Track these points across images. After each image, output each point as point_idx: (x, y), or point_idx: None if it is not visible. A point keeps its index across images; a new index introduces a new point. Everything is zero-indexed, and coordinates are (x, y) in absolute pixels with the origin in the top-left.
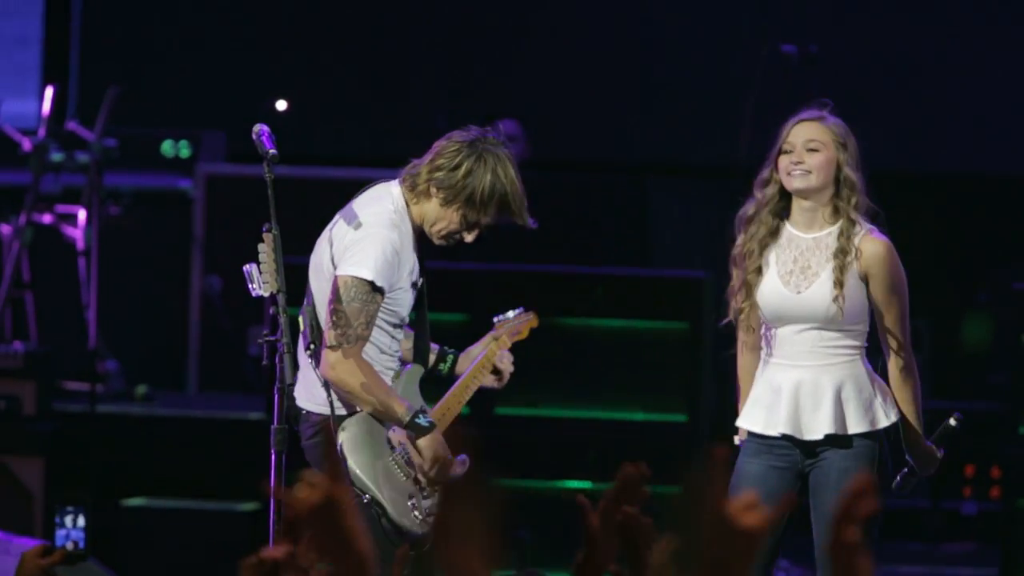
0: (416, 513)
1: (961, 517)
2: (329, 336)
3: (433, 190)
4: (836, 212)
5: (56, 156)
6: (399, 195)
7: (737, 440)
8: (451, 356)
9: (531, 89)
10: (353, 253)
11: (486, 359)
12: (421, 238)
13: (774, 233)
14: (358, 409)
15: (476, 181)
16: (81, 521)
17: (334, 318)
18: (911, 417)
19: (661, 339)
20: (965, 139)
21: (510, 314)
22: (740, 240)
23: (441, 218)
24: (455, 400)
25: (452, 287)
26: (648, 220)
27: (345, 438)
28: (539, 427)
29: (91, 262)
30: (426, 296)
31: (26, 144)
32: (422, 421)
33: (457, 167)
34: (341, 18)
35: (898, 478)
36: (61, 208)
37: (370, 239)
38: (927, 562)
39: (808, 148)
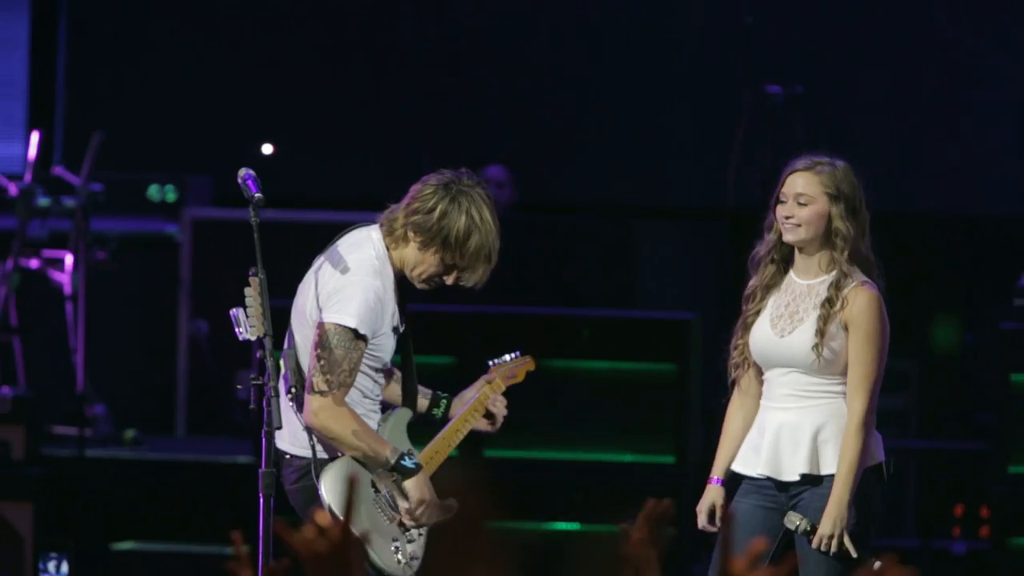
0: (400, 557)
1: (951, 556)
2: (313, 382)
3: (411, 234)
4: (832, 261)
5: (42, 201)
6: (379, 240)
7: (713, 481)
8: (444, 400)
9: (516, 133)
10: (337, 300)
11: (478, 402)
12: (402, 283)
13: (778, 277)
14: (339, 453)
15: (451, 223)
16: (65, 567)
17: (319, 364)
18: (843, 472)
19: (648, 381)
20: (951, 179)
21: (506, 357)
22: (751, 282)
23: (420, 262)
24: (444, 443)
25: (438, 330)
26: (634, 262)
27: (327, 481)
28: (527, 469)
29: (78, 307)
30: (411, 340)
31: (12, 189)
32: (408, 463)
33: (432, 210)
34: (326, 62)
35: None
36: (48, 253)
37: (353, 287)
38: None
39: (798, 202)
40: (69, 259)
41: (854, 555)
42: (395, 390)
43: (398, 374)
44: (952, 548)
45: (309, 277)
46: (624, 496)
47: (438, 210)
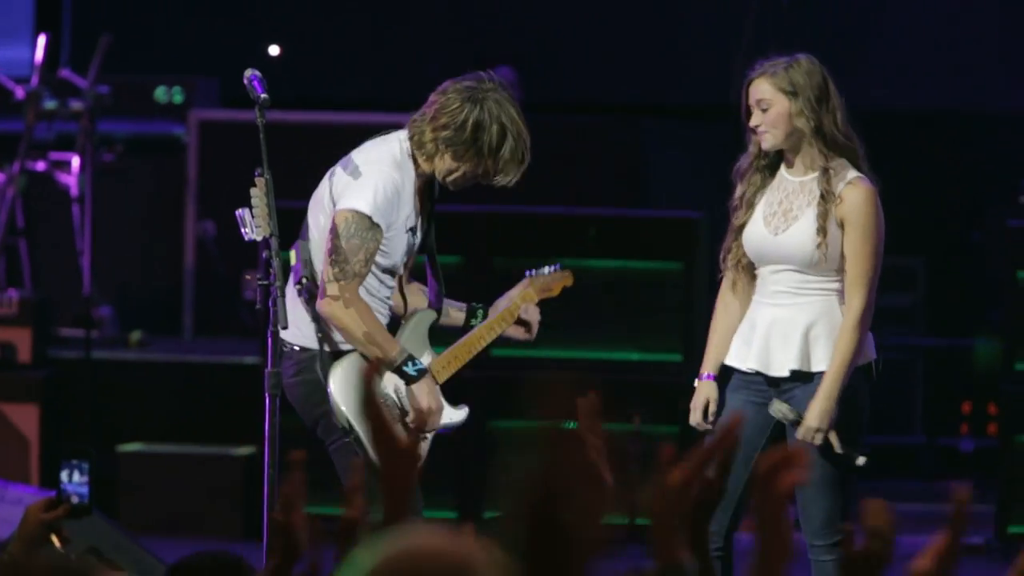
0: None
1: (958, 454)
2: (327, 271)
3: (442, 147)
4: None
5: (49, 104)
6: (405, 140)
7: (697, 381)
8: (480, 310)
9: (524, 33)
10: (353, 188)
11: (507, 311)
12: (426, 189)
13: (769, 178)
14: (343, 347)
15: (483, 134)
16: (85, 475)
17: (333, 254)
18: (836, 367)
19: (655, 279)
20: (958, 76)
21: (545, 269)
22: (736, 192)
23: (455, 170)
24: (465, 349)
25: (445, 229)
26: (641, 161)
27: (336, 375)
28: (535, 368)
29: (85, 209)
30: (434, 245)
31: (19, 92)
32: (410, 369)
33: (463, 123)
34: None
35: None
36: (55, 155)
37: (371, 175)
38: (923, 499)
39: (760, 108)
40: (76, 161)
41: (839, 450)
42: (419, 299)
43: (418, 285)
44: (960, 445)
45: (330, 171)
46: (632, 394)
47: (470, 121)
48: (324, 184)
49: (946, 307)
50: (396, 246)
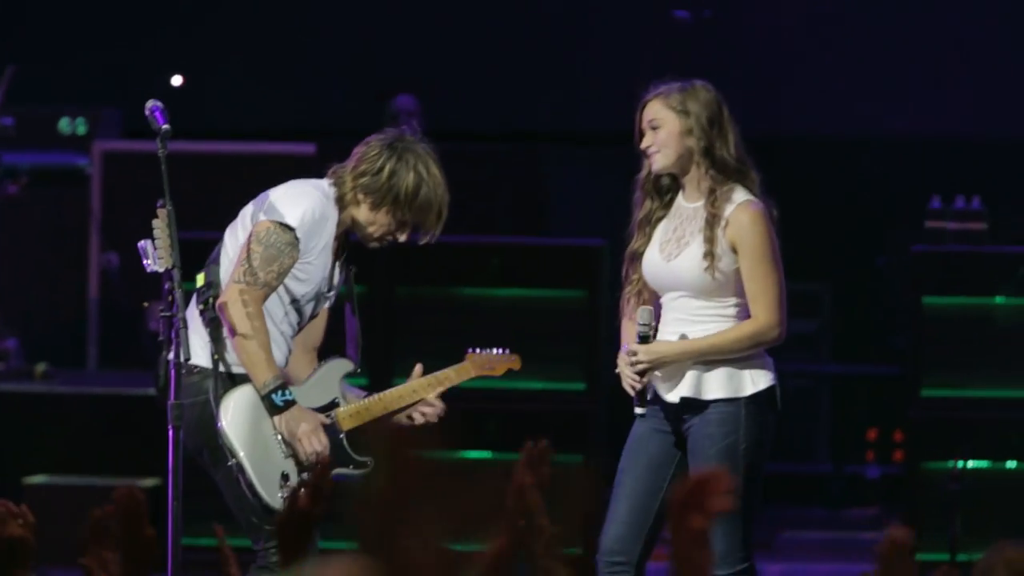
0: (282, 492)
1: (864, 481)
2: (237, 272)
3: (360, 196)
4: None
5: None
6: (330, 187)
7: (637, 411)
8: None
9: (424, 61)
10: (282, 204)
11: (436, 379)
12: (342, 241)
13: (665, 206)
14: (236, 371)
15: (399, 180)
16: None
17: (246, 258)
18: (709, 341)
19: (559, 308)
20: (861, 102)
21: (492, 351)
22: (631, 223)
23: (372, 221)
24: (380, 404)
25: (363, 257)
26: (543, 189)
27: (232, 399)
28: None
29: None
30: (355, 299)
31: None
32: (276, 398)
33: (380, 169)
34: None
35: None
36: None
37: (302, 196)
38: (830, 527)
39: (652, 127)
40: None
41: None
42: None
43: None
44: (866, 473)
45: (260, 194)
46: (536, 423)
47: (387, 169)
48: (249, 206)
49: (851, 333)
50: (310, 276)
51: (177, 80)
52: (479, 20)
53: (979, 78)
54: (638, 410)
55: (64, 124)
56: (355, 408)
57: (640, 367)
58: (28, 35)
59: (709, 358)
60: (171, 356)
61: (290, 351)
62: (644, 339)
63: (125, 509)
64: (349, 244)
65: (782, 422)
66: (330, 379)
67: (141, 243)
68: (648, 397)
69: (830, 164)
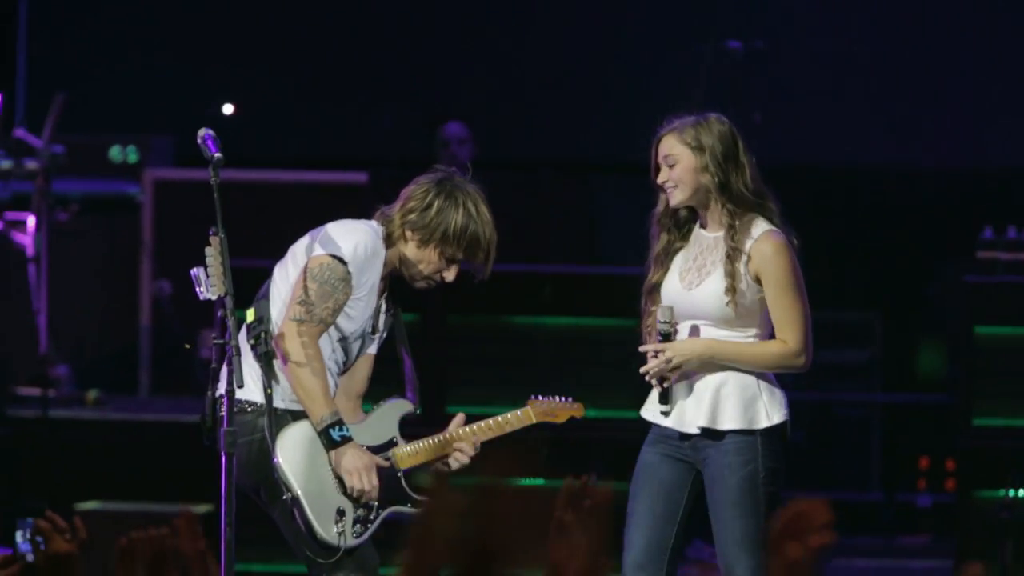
0: (338, 528)
1: (916, 510)
2: (292, 310)
3: (408, 233)
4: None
5: (4, 163)
6: (378, 227)
7: (663, 409)
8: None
9: (477, 89)
10: (334, 239)
11: (497, 423)
12: (388, 285)
13: (683, 237)
14: (292, 407)
15: (448, 217)
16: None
17: (302, 294)
18: (736, 347)
19: (610, 336)
20: (913, 133)
21: (556, 398)
22: (649, 254)
23: (420, 259)
24: (439, 446)
25: (401, 287)
26: (594, 217)
27: (288, 434)
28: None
29: (41, 268)
30: (406, 338)
31: None
32: (334, 433)
33: (428, 206)
34: (288, 21)
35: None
36: (10, 215)
37: (354, 232)
38: (882, 555)
39: (667, 164)
40: (31, 221)
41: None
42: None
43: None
44: (917, 501)
45: (313, 230)
46: (588, 451)
47: (435, 206)
48: (301, 241)
49: (903, 362)
50: (358, 313)
51: (229, 108)
52: (530, 49)
53: None
54: (663, 408)
55: (115, 152)
56: (414, 448)
57: (671, 364)
58: (79, 63)
59: (732, 364)
60: (220, 388)
61: (336, 388)
62: (666, 336)
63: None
64: (394, 286)
65: (834, 450)
66: (389, 419)
67: (193, 270)
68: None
69: (882, 193)
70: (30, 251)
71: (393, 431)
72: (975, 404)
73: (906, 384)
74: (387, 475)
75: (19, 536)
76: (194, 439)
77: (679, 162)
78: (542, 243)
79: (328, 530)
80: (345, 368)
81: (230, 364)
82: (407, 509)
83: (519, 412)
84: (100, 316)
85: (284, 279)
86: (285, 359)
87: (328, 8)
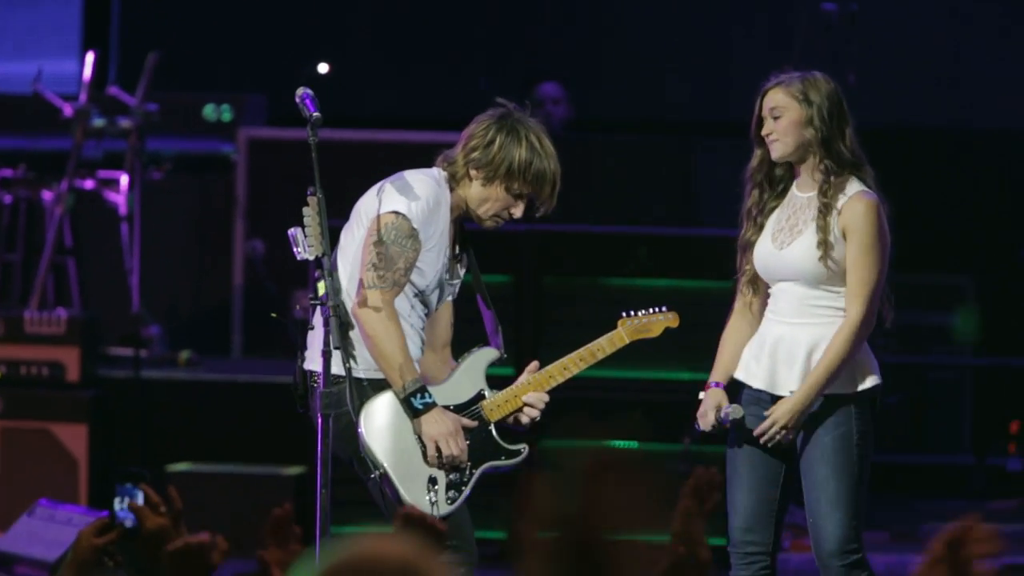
0: (432, 496)
1: (1006, 473)
2: (366, 276)
3: (472, 172)
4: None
5: (98, 121)
6: (441, 171)
7: (701, 395)
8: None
9: (573, 50)
10: (395, 195)
11: (589, 351)
12: (459, 227)
13: (778, 196)
14: (374, 376)
15: (511, 152)
16: (139, 498)
17: (373, 259)
18: (819, 372)
19: (707, 298)
20: (1005, 96)
21: (648, 310)
22: (745, 203)
23: (487, 198)
24: (528, 388)
25: (495, 248)
26: (693, 180)
27: (371, 409)
28: (586, 388)
29: (134, 227)
30: (483, 284)
31: (67, 110)
32: (416, 402)
33: (491, 143)
34: None
35: (724, 413)
36: (103, 173)
37: (414, 185)
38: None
39: (773, 116)
40: (124, 179)
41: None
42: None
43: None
44: (1007, 465)
45: (374, 186)
46: (684, 414)
47: (497, 142)
48: (361, 202)
49: (995, 325)
50: (430, 265)
51: (324, 68)
52: (628, 9)
53: None
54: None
55: (209, 110)
56: (503, 397)
57: (787, 430)
58: (172, 22)
59: (831, 379)
60: (310, 354)
61: (423, 343)
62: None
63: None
64: (466, 231)
65: (926, 413)
66: (475, 371)
67: (291, 231)
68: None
69: (974, 156)
70: (123, 210)
71: (480, 383)
72: None
73: (998, 348)
74: (476, 432)
75: (117, 503)
76: (287, 401)
77: (784, 115)
78: (640, 205)
79: (420, 501)
80: (427, 320)
81: (327, 325)
82: (503, 462)
83: (611, 335)
84: (193, 276)
85: (352, 242)
86: (363, 328)
87: None
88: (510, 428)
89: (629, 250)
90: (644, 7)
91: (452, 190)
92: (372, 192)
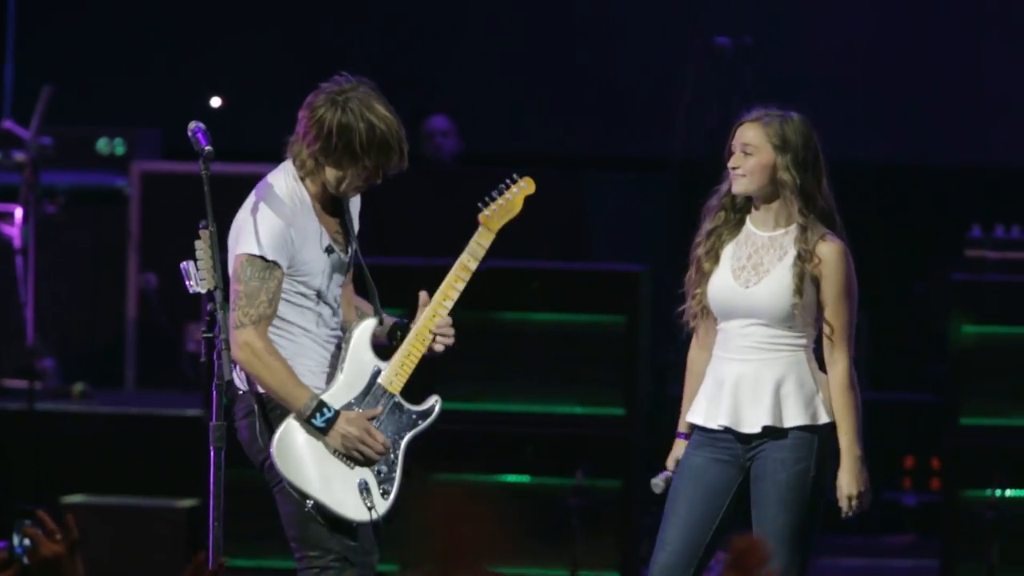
0: (367, 502)
1: (901, 509)
2: (234, 317)
3: (321, 160)
4: (790, 214)
5: None
6: (290, 167)
7: (680, 436)
8: (400, 332)
9: (463, 84)
10: (244, 232)
11: (462, 266)
12: (334, 201)
13: (734, 228)
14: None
15: (350, 136)
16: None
17: (236, 299)
18: (849, 431)
19: (598, 332)
20: (902, 128)
21: (499, 192)
22: (701, 228)
23: (342, 178)
24: (419, 341)
25: (387, 282)
26: (583, 213)
27: (282, 440)
28: (477, 421)
29: (28, 260)
30: (361, 258)
31: None
32: (317, 422)
33: (329, 132)
34: (274, 13)
35: (660, 478)
36: None
37: (258, 216)
38: (868, 554)
39: (744, 151)
40: (19, 212)
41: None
42: (351, 313)
43: (357, 299)
44: (903, 500)
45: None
46: (574, 448)
47: (335, 127)
48: (231, 231)
49: (889, 361)
50: (313, 270)
51: (216, 101)
52: (517, 42)
53: (1021, 107)
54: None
55: (103, 144)
56: (397, 365)
57: (860, 497)
58: (66, 55)
59: (859, 431)
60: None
61: (340, 342)
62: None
63: None
64: (344, 204)
65: None
66: (361, 352)
67: (183, 264)
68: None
69: (870, 191)
70: (17, 243)
71: (371, 361)
72: (962, 403)
73: (893, 383)
74: (387, 414)
75: (15, 539)
76: (180, 432)
77: (756, 154)
78: (531, 239)
79: (360, 513)
80: (338, 304)
81: (219, 357)
82: (421, 425)
83: (477, 238)
84: (87, 309)
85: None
86: (246, 371)
87: (313, 2)
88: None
89: (522, 284)
90: (534, 40)
91: (309, 179)
92: (234, 224)
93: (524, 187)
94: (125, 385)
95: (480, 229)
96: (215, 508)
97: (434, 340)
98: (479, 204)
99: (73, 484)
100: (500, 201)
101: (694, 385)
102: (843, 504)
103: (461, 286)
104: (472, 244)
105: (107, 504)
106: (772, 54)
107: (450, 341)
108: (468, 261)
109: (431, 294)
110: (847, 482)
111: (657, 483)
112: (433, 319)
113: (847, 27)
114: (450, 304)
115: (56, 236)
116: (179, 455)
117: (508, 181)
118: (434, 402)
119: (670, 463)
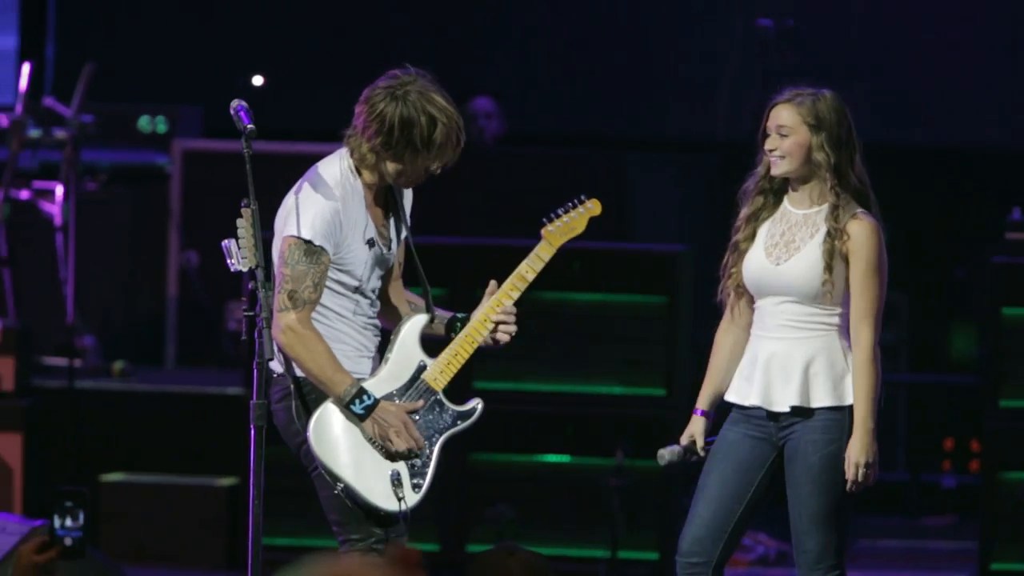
0: (399, 493)
1: (941, 490)
2: (278, 300)
3: (381, 153)
4: (823, 192)
5: (33, 132)
6: (346, 156)
7: (697, 412)
8: (459, 324)
9: (507, 65)
10: (294, 216)
11: (519, 276)
12: (386, 195)
13: (772, 207)
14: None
15: (413, 130)
16: (81, 516)
17: (281, 283)
18: (864, 406)
19: (639, 313)
20: (943, 112)
21: (565, 210)
22: (740, 213)
23: (400, 172)
24: (467, 343)
25: (430, 262)
26: (625, 194)
27: (319, 423)
28: (517, 401)
29: (68, 238)
30: (412, 249)
31: (3, 120)
32: (357, 407)
33: (391, 127)
34: None
35: (666, 450)
36: (38, 184)
37: (308, 201)
38: (907, 536)
39: (780, 133)
40: (60, 190)
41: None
42: (405, 307)
43: (409, 295)
44: (942, 482)
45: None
46: (614, 428)
47: (396, 121)
48: (279, 212)
49: (930, 344)
50: (355, 261)
51: (258, 80)
52: (565, 24)
53: None
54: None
55: (144, 122)
56: (443, 363)
57: (868, 468)
58: (108, 33)
59: (872, 406)
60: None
61: (378, 327)
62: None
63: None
64: (397, 198)
65: None
66: (409, 346)
67: (225, 242)
68: (746, 404)
69: (911, 174)
70: (58, 221)
71: (417, 355)
72: (1001, 385)
73: (933, 365)
74: (427, 410)
75: (57, 521)
76: (220, 410)
77: (791, 135)
78: None
79: (390, 503)
80: (377, 298)
81: (260, 336)
82: (459, 426)
83: (538, 251)
84: (127, 287)
85: (276, 255)
86: (286, 353)
87: None
88: (490, 348)
89: (563, 264)
90: (578, 21)
91: (366, 171)
92: (283, 206)
93: (590, 208)
94: (165, 363)
95: (542, 242)
96: (255, 486)
97: (495, 331)
98: (543, 220)
99: (113, 462)
100: (565, 219)
101: (717, 362)
102: (849, 472)
103: (516, 294)
104: (532, 256)
105: (147, 482)
106: (814, 36)
107: (512, 329)
108: (526, 271)
109: (499, 281)
110: (857, 450)
111: (662, 454)
112: (485, 323)
113: (888, 9)
114: (513, 300)
115: (97, 214)
116: (219, 433)
117: (576, 200)
118: (475, 404)
119: (684, 438)
